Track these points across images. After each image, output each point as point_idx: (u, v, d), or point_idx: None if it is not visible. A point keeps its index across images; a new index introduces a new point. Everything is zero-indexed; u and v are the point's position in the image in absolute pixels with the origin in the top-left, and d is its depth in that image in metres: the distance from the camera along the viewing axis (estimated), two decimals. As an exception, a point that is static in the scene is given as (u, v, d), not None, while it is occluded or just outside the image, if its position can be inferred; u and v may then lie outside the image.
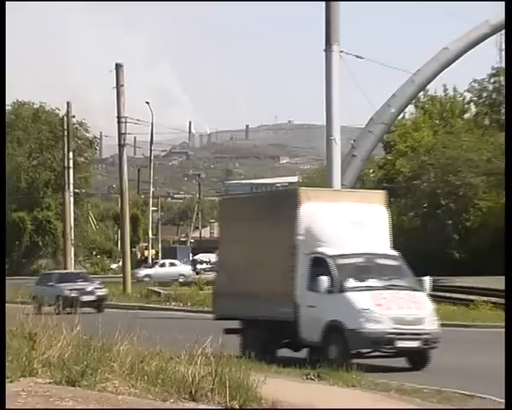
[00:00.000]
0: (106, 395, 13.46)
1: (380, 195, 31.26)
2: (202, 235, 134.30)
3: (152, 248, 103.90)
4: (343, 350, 24.26)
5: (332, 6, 45.15)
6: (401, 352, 24.62)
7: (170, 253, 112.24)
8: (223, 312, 29.90)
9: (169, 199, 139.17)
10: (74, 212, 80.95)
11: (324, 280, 25.05)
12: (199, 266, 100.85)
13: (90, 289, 54.01)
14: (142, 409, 10.82)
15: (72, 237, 78.06)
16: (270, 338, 27.76)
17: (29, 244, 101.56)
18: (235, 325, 27.98)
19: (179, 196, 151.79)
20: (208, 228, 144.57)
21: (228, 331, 27.00)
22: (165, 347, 16.74)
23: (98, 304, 51.05)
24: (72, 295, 49.05)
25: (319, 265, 26.22)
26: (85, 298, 49.19)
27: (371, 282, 26.57)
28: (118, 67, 66.48)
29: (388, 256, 27.88)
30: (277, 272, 26.94)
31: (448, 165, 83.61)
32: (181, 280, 77.95)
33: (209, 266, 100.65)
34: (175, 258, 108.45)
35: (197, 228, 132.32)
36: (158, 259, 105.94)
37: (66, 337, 16.02)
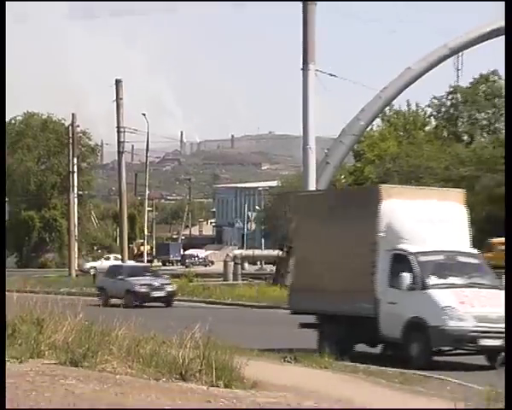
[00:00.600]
0: (105, 375, 13.46)
1: (459, 193, 30.03)
2: (192, 233, 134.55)
3: (147, 244, 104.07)
4: (424, 347, 22.89)
5: (309, 29, 45.26)
6: (483, 350, 23.72)
7: (163, 248, 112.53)
8: (298, 306, 28.25)
9: (162, 200, 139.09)
10: (78, 211, 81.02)
11: (406, 277, 23.58)
12: (188, 261, 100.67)
13: (159, 284, 48.88)
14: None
15: (76, 234, 78.21)
16: (348, 333, 26.58)
17: (37, 240, 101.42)
18: (310, 319, 26.64)
19: (172, 197, 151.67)
20: (197, 226, 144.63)
21: (303, 326, 26.05)
22: (159, 332, 16.75)
23: (167, 300, 46.68)
24: (143, 290, 45.94)
25: (400, 262, 24.63)
26: (155, 294, 46.07)
27: (453, 279, 24.89)
28: (117, 82, 66.68)
29: (469, 254, 26.31)
30: (357, 268, 24.66)
31: (411, 172, 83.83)
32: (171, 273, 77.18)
33: (198, 260, 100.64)
34: (167, 253, 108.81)
35: (187, 226, 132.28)
36: (152, 254, 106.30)
37: (71, 323, 16.02)
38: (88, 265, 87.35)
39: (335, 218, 26.56)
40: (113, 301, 44.55)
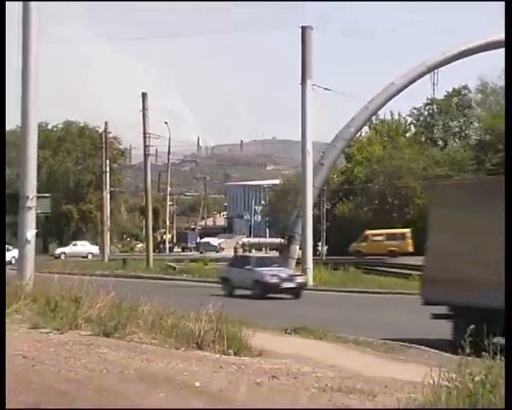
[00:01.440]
0: (133, 345, 13.48)
1: None
2: (207, 223, 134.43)
3: (169, 233, 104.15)
4: None
5: (306, 50, 45.35)
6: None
7: (182, 237, 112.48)
8: (432, 297, 26.32)
9: (182, 196, 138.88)
10: (110, 205, 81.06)
11: None
12: (202, 247, 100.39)
13: (289, 275, 41.09)
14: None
15: (108, 225, 78.24)
16: (481, 326, 24.88)
17: (75, 230, 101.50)
18: (443, 310, 25.14)
19: (189, 194, 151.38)
20: (212, 218, 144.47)
21: (436, 317, 24.77)
22: (178, 308, 16.75)
23: (297, 291, 39.22)
24: (273, 280, 38.70)
25: None
26: (286, 285, 38.86)
27: None
28: (143, 95, 66.66)
29: None
30: (497, 260, 22.69)
31: (393, 172, 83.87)
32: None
33: (211, 247, 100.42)
34: (186, 241, 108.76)
35: (203, 218, 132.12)
36: (173, 241, 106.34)
37: (103, 300, 16.05)
38: (59, 251, 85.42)
39: (476, 208, 23.89)
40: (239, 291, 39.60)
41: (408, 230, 78.88)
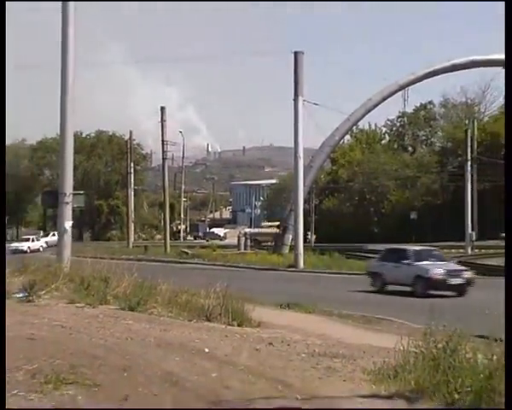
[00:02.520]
0: (153, 317, 13.48)
1: None
2: (215, 216, 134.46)
3: (183, 224, 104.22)
4: None
5: (298, 71, 45.43)
6: None
7: (194, 227, 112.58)
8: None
9: (194, 193, 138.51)
10: (134, 201, 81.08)
11: None
12: (207, 236, 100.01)
13: (455, 269, 31.29)
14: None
15: (132, 217, 78.22)
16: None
17: (105, 221, 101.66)
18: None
19: (200, 191, 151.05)
20: (219, 212, 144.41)
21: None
22: (191, 287, 16.76)
23: (464, 288, 29.48)
24: (439, 276, 29.20)
25: None
26: (453, 281, 29.41)
27: None
28: (162, 109, 66.75)
29: None
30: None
31: (371, 173, 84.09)
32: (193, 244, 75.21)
33: (215, 235, 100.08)
34: (197, 231, 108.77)
35: (211, 212, 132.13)
36: (186, 231, 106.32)
37: (128, 280, 16.06)
38: (42, 240, 77.78)
39: None
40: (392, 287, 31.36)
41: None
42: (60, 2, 23.61)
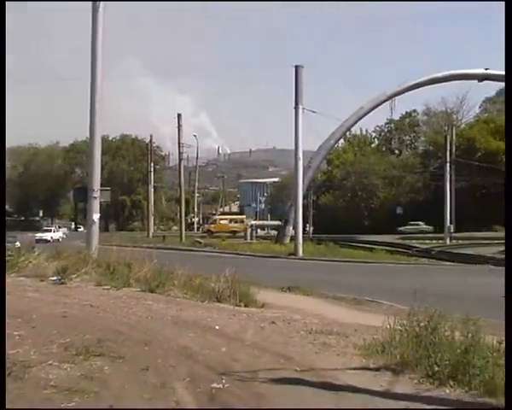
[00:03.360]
0: (170, 298, 13.49)
1: None
2: (224, 210, 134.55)
3: (196, 217, 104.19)
4: None
5: (298, 83, 45.43)
6: None
7: (206, 220, 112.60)
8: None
9: (206, 190, 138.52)
10: (153, 196, 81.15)
11: None
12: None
13: None
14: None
15: (152, 210, 78.30)
16: None
17: (128, 214, 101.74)
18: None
19: (212, 188, 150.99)
20: (228, 206, 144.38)
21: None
22: (203, 272, 16.77)
23: None
24: None
25: None
26: None
27: None
28: (178, 115, 66.76)
29: None
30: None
31: (362, 173, 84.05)
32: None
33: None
34: (209, 223, 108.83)
35: (221, 206, 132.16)
36: (199, 223, 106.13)
37: (148, 266, 16.07)
38: (60, 231, 73.96)
39: None
40: None
41: (244, 216, 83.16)
42: (90, 23, 23.67)
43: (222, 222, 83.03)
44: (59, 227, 78.45)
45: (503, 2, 5.97)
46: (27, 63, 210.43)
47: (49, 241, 56.88)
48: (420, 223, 74.14)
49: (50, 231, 69.56)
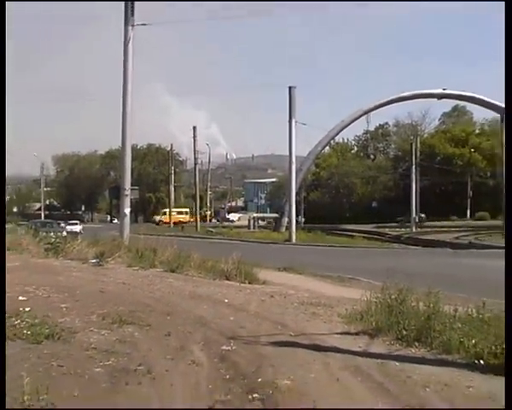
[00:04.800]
0: (187, 277, 13.48)
1: None
2: (232, 205, 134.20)
3: (208, 210, 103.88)
4: None
5: (292, 100, 45.29)
6: None
7: (217, 213, 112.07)
8: None
9: (216, 188, 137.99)
10: (174, 194, 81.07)
11: None
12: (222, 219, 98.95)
13: None
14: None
15: (173, 206, 78.26)
16: None
17: (153, 208, 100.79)
18: None
19: (221, 187, 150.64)
20: (234, 202, 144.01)
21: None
22: (215, 255, 16.75)
23: None
24: None
25: None
26: None
27: None
28: (194, 128, 66.65)
29: None
30: None
31: (344, 174, 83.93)
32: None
33: (235, 219, 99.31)
34: (219, 215, 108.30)
35: (229, 201, 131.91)
36: (211, 216, 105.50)
37: (170, 250, 16.06)
38: (68, 228, 55.22)
39: None
40: None
41: (187, 209, 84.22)
42: (122, 53, 23.65)
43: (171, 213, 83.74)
44: (78, 222, 73.27)
45: (503, 3, 5.40)
46: (74, 85, 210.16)
47: (79, 232, 52.63)
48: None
49: (77, 224, 64.66)
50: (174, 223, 73.95)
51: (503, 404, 4.83)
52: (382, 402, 4.82)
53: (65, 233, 23.04)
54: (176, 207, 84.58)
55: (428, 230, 55.76)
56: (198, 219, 66.48)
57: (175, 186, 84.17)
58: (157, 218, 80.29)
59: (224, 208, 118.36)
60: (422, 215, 67.61)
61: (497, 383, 5.50)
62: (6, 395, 3.48)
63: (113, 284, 11.24)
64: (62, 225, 45.90)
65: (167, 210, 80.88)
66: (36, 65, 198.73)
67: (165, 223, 73.35)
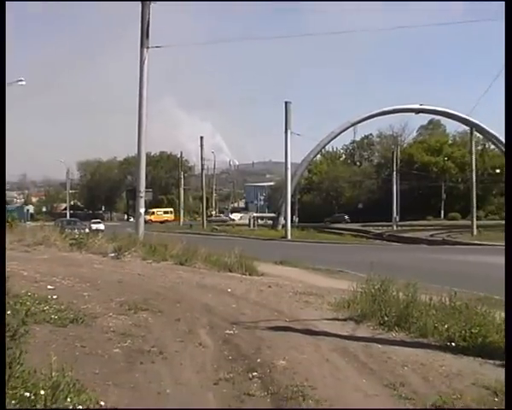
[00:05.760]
0: (195, 269, 13.45)
1: None
2: (234, 205, 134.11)
3: (214, 210, 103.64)
4: None
5: (288, 115, 45.27)
6: None
7: (222, 212, 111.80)
8: None
9: (221, 191, 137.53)
10: (183, 196, 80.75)
11: None
12: (231, 217, 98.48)
13: None
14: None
15: (182, 206, 78.10)
16: None
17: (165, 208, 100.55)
18: None
19: (225, 189, 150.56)
20: (237, 203, 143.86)
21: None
22: (219, 250, 16.73)
23: None
24: None
25: None
26: None
27: None
28: (201, 138, 66.82)
29: None
30: None
31: (333, 179, 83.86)
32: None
33: (238, 217, 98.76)
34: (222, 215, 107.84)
35: (232, 203, 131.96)
36: (216, 215, 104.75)
37: (179, 245, 16.03)
38: (93, 226, 52.66)
39: None
40: None
41: (172, 209, 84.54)
42: (138, 72, 23.65)
43: (158, 213, 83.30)
44: (100, 220, 72.12)
45: (503, 3, 4.96)
46: (96, 100, 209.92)
47: (103, 230, 50.22)
48: (344, 215, 74.79)
49: (100, 222, 63.43)
50: (160, 222, 74.39)
51: (470, 381, 4.87)
52: (366, 379, 4.83)
53: (87, 230, 22.89)
54: (161, 208, 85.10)
55: (407, 228, 55.75)
56: (204, 218, 66.64)
57: (184, 189, 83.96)
58: (146, 217, 78.23)
59: (227, 209, 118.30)
60: (346, 217, 68.68)
61: (466, 362, 5.56)
62: (6, 394, 3.28)
63: (130, 275, 11.23)
64: (85, 223, 45.64)
65: (155, 210, 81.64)
66: (64, 83, 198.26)
67: (153, 222, 71.91)
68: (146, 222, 74.38)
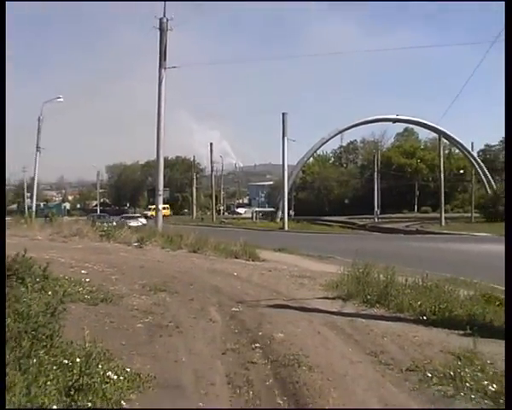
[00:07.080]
0: (206, 256, 13.40)
1: None
2: (239, 202, 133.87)
3: (222, 206, 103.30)
4: None
5: (284, 124, 45.16)
6: None
7: (228, 208, 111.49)
8: None
9: (228, 189, 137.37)
10: (196, 194, 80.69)
11: None
12: (238, 211, 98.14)
13: None
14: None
15: (195, 203, 78.01)
16: None
17: (180, 205, 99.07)
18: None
19: (232, 188, 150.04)
20: (241, 199, 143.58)
21: None
22: (226, 240, 16.72)
23: None
24: None
25: None
26: None
27: None
28: (211, 144, 66.80)
29: None
30: None
31: (324, 178, 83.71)
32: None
33: (243, 211, 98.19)
34: (230, 210, 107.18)
35: (238, 199, 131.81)
36: (224, 210, 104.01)
37: (192, 236, 16.00)
38: (133, 223, 45.66)
39: None
40: None
41: (168, 205, 79.39)
42: (157, 89, 23.61)
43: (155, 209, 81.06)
44: (140, 215, 72.75)
45: (503, 3, 4.47)
46: (121, 112, 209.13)
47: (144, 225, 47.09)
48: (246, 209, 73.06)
49: (137, 218, 61.73)
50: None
51: (439, 348, 4.88)
52: (351, 348, 4.84)
53: (114, 223, 22.94)
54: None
55: (387, 220, 55.66)
56: (213, 213, 66.60)
57: (196, 188, 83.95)
58: (148, 213, 75.38)
59: (234, 205, 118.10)
60: (292, 213, 63.61)
61: (435, 333, 5.58)
62: (6, 394, 2.99)
63: (150, 261, 11.24)
64: (112, 217, 45.43)
65: (154, 206, 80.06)
66: (96, 100, 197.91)
67: (151, 217, 69.22)
68: (147, 217, 71.39)
